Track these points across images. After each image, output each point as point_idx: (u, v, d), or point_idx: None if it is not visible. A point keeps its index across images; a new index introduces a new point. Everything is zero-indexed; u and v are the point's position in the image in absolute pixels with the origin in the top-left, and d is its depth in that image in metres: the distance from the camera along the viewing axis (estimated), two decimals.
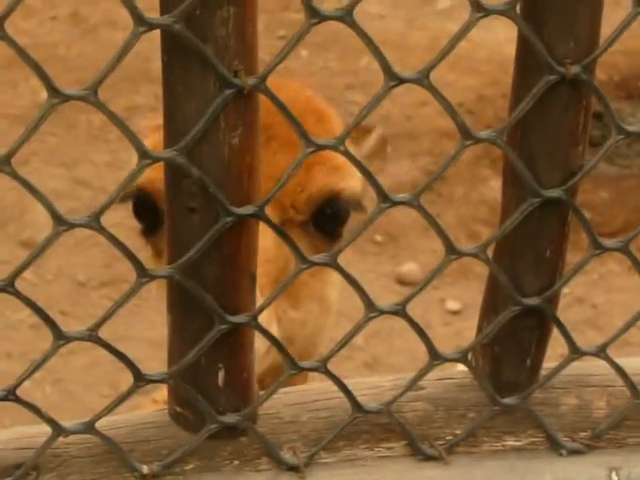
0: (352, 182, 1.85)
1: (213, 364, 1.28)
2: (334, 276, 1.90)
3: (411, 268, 4.81)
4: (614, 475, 1.36)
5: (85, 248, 4.63)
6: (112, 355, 1.24)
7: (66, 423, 1.26)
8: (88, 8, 6.68)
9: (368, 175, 1.21)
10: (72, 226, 1.16)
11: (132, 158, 1.80)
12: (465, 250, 1.25)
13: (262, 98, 1.17)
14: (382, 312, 1.27)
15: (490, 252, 1.30)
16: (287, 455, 1.34)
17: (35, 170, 5.05)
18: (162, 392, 2.01)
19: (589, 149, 1.25)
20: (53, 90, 1.08)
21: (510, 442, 1.39)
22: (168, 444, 1.32)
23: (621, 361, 1.38)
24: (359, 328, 1.28)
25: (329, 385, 1.34)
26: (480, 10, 1.14)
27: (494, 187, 5.11)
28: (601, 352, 1.36)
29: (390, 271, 4.77)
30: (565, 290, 1.36)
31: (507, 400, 1.36)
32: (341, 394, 1.33)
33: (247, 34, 1.14)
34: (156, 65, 5.81)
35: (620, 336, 1.37)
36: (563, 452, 1.38)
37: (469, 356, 1.34)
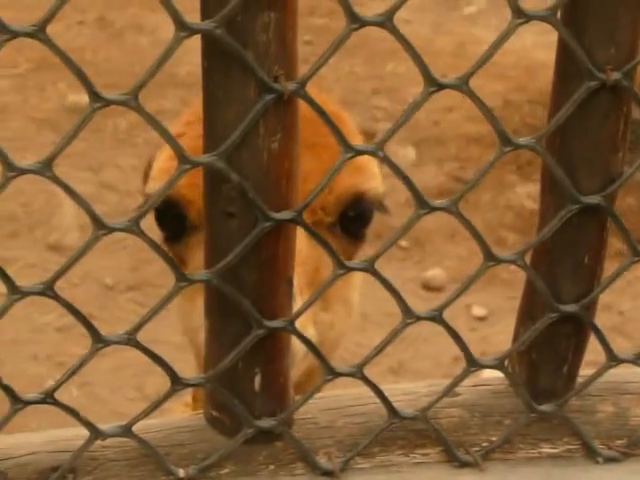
0: (375, 183, 1.85)
1: (250, 369, 1.28)
2: (356, 278, 1.89)
3: (436, 273, 4.80)
4: None
5: (112, 252, 4.64)
6: (150, 358, 1.24)
7: (103, 426, 1.26)
8: (114, 13, 6.72)
9: (407, 181, 1.21)
10: (111, 230, 1.16)
11: (156, 164, 1.80)
12: (503, 257, 1.25)
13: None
14: (419, 318, 1.27)
15: (527, 259, 1.29)
16: (322, 460, 1.34)
17: (63, 174, 5.03)
18: (192, 395, 2.01)
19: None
20: (95, 95, 1.09)
21: (546, 449, 1.38)
22: (204, 448, 1.32)
23: None
24: (396, 334, 1.28)
25: (364, 391, 1.34)
26: (521, 16, 1.13)
27: (520, 193, 5.10)
28: (638, 359, 1.35)
29: (415, 276, 4.76)
30: None
31: (543, 407, 1.36)
32: (376, 400, 1.33)
33: (287, 39, 1.14)
34: (183, 70, 5.84)
35: None
36: (599, 460, 1.38)
37: (506, 363, 1.33)
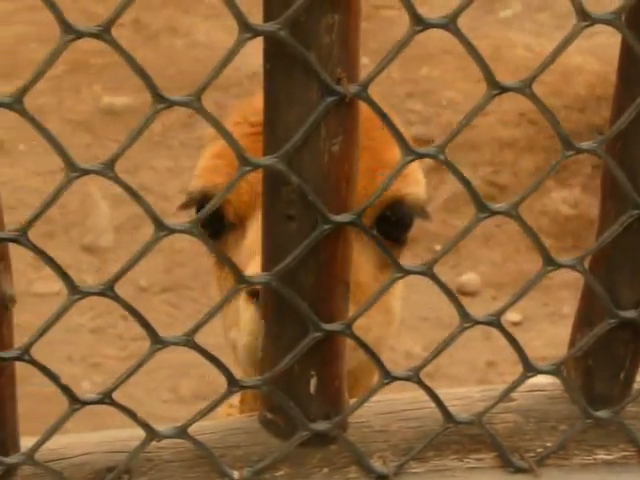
0: (416, 188, 1.83)
1: (306, 371, 1.28)
2: (398, 286, 1.89)
3: (471, 278, 4.78)
4: None
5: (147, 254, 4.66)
6: (207, 360, 1.24)
7: (159, 427, 1.26)
8: (149, 15, 6.73)
9: (467, 184, 1.21)
10: (172, 231, 1.17)
11: (200, 162, 1.80)
12: (563, 262, 1.24)
13: None
14: (477, 322, 1.26)
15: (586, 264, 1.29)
16: (377, 464, 1.34)
17: (98, 176, 5.09)
18: (238, 397, 2.01)
19: None
20: (159, 96, 1.09)
21: (601, 456, 1.37)
22: (258, 450, 1.32)
23: None
24: (453, 338, 1.28)
25: (419, 395, 1.34)
26: (586, 19, 1.13)
27: (556, 198, 5.08)
28: None
29: (450, 281, 4.74)
30: None
31: (600, 413, 1.35)
32: (431, 404, 1.32)
33: (350, 41, 1.14)
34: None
35: None
36: None
37: (562, 368, 1.32)
